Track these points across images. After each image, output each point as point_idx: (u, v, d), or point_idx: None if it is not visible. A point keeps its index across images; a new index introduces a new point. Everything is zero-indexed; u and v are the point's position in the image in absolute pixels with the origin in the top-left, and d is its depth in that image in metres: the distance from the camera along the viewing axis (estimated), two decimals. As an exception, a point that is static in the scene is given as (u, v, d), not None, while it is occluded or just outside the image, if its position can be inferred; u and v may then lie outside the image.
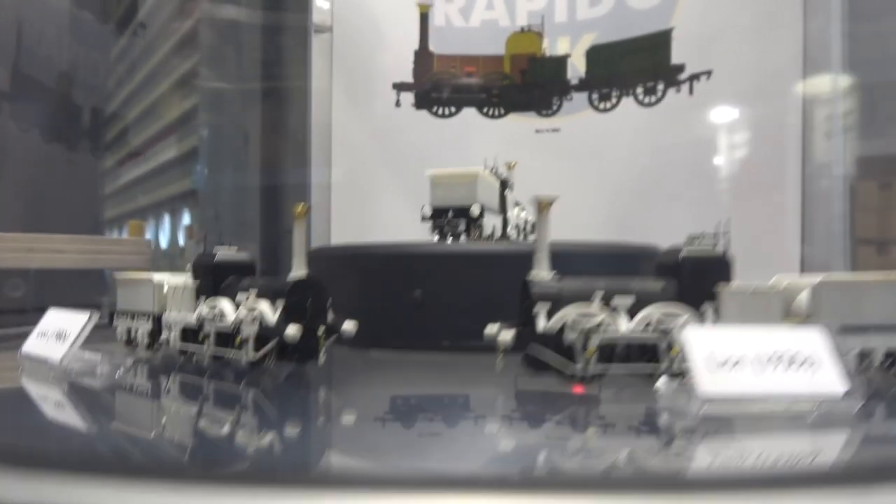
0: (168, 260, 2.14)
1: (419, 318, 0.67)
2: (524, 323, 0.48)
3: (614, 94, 1.38)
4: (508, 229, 0.88)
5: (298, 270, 0.55)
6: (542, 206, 0.50)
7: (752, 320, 0.49)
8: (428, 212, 0.78)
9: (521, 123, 1.45)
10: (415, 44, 1.44)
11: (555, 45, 1.43)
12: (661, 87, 1.33)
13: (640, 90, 1.36)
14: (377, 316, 0.70)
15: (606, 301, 0.49)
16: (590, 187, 1.39)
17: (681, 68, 1.31)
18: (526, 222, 0.93)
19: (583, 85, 1.41)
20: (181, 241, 2.09)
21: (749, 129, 1.25)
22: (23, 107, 1.42)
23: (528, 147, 1.44)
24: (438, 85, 1.44)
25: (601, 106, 1.40)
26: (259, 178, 1.67)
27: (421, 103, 1.45)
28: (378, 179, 1.44)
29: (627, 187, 1.36)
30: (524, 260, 0.62)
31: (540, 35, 1.43)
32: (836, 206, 1.15)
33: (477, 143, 1.45)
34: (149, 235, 2.25)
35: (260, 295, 0.55)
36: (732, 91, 1.26)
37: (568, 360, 0.47)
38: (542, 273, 0.50)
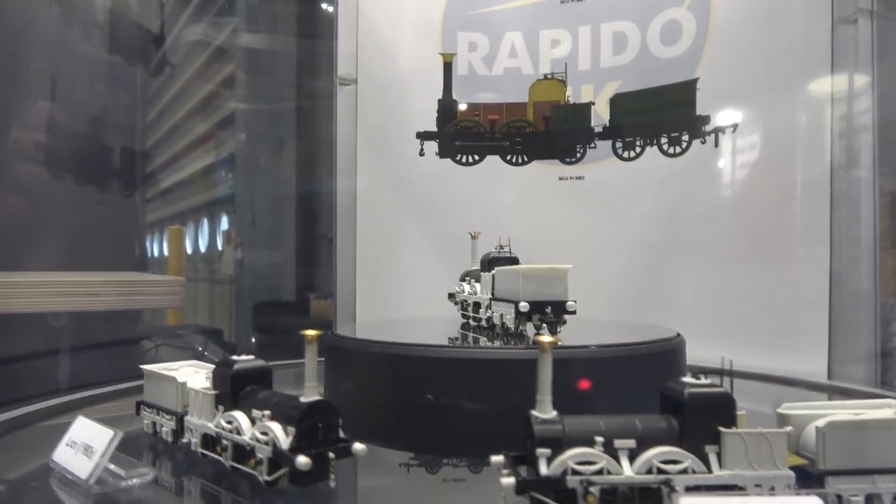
0: (207, 264, 2.21)
1: (432, 421, 0.68)
2: (527, 461, 0.49)
3: (638, 143, 1.38)
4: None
5: (311, 394, 0.57)
6: (543, 349, 0.51)
7: (757, 464, 0.49)
8: (526, 307, 0.76)
9: (544, 171, 1.45)
10: (438, 93, 1.46)
11: (578, 93, 1.43)
12: (685, 137, 1.32)
13: (664, 140, 1.35)
14: (394, 415, 0.72)
15: (608, 443, 0.49)
16: (613, 236, 1.39)
17: (706, 119, 1.30)
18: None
19: (606, 133, 1.41)
20: (220, 245, 2.15)
21: (776, 181, 1.23)
22: (57, 154, 1.48)
23: (551, 195, 1.44)
24: (462, 133, 1.46)
25: (625, 154, 1.39)
26: (294, 186, 1.71)
27: (444, 152, 1.46)
28: (402, 227, 1.46)
29: (651, 236, 1.35)
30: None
31: (563, 82, 1.43)
32: (866, 271, 1.13)
33: (501, 191, 1.46)
34: (188, 240, 2.32)
35: (273, 417, 0.57)
36: (760, 145, 1.25)
37: (570, 505, 0.48)
38: (544, 413, 0.51)
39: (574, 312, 0.79)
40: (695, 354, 1.23)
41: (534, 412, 0.51)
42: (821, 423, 0.50)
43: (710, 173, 1.29)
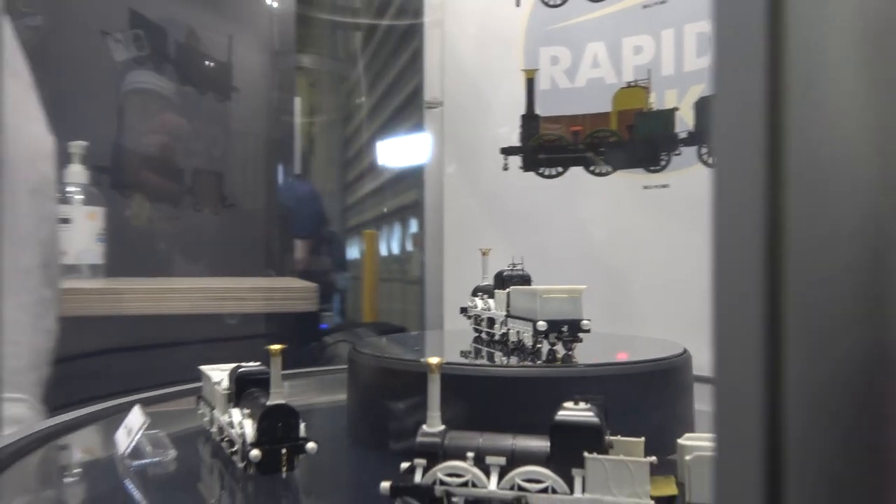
0: (398, 265, 2.45)
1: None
2: (407, 472, 0.56)
3: (723, 148, 1.31)
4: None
5: (275, 399, 0.68)
6: (432, 370, 0.57)
7: (617, 490, 0.51)
8: (544, 326, 0.79)
9: (628, 180, 1.43)
10: (521, 109, 1.50)
11: (662, 99, 1.39)
12: (771, 140, 1.23)
13: (749, 144, 1.27)
14: (386, 424, 0.80)
15: (480, 458, 0.54)
16: (699, 244, 1.33)
17: (793, 120, 1.20)
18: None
19: (691, 139, 1.35)
20: (409, 247, 2.38)
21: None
22: (124, 177, 1.73)
23: (635, 204, 1.42)
24: (544, 146, 1.49)
25: (711, 160, 1.33)
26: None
27: (528, 165, 1.50)
28: (488, 241, 1.52)
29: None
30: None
31: (646, 89, 1.40)
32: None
33: (584, 202, 1.47)
34: (382, 243, 2.58)
35: (249, 416, 0.69)
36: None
37: (438, 512, 0.54)
38: (433, 427, 0.57)
39: (588, 331, 0.81)
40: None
41: (424, 426, 0.57)
42: (689, 456, 0.50)
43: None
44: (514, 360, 0.84)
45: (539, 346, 0.84)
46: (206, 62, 1.82)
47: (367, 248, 2.49)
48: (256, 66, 1.99)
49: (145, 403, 1.11)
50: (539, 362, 0.81)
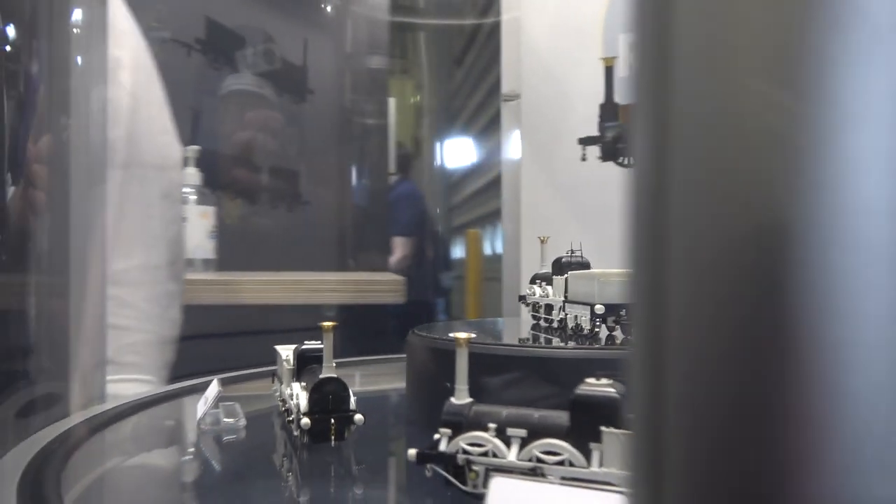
0: (501, 264, 2.51)
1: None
2: (433, 443, 0.58)
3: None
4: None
5: (327, 372, 0.73)
6: (460, 344, 0.59)
7: (633, 466, 0.51)
8: (602, 309, 0.79)
9: (712, 167, 1.38)
10: (600, 98, 1.48)
11: (748, 81, 1.33)
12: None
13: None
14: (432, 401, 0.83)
15: (502, 430, 0.55)
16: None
17: None
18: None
19: (780, 122, 1.28)
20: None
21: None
22: (220, 176, 1.81)
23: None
24: (623, 135, 1.46)
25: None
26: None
27: (607, 155, 1.48)
28: (566, 233, 1.51)
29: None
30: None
31: (732, 72, 1.34)
32: None
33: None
34: (486, 243, 2.65)
35: (305, 388, 0.74)
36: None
37: (461, 479, 0.56)
38: (460, 400, 0.59)
39: None
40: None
41: (451, 398, 0.59)
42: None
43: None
44: (570, 344, 0.84)
45: (597, 330, 0.83)
46: (296, 66, 1.94)
47: (470, 248, 2.53)
48: (346, 69, 2.09)
49: (233, 382, 1.21)
50: (596, 346, 0.81)
